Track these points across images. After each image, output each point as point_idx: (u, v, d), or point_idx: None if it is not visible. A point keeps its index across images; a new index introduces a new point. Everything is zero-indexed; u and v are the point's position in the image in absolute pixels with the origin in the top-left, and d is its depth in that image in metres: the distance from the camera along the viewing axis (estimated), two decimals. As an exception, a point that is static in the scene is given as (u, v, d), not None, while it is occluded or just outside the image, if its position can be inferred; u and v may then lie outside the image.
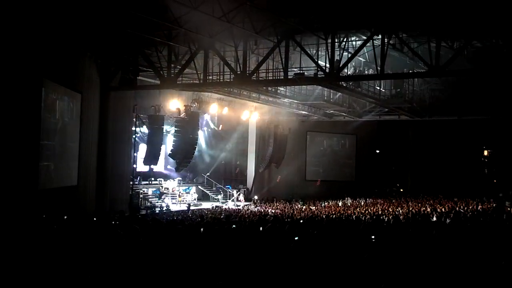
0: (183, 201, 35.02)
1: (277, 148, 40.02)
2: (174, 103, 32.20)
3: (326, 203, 34.59)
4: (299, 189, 42.75)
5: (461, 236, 14.70)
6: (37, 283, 8.83)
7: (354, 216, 24.75)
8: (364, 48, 23.54)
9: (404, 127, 46.47)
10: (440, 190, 39.13)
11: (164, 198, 34.37)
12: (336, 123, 42.37)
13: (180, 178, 37.84)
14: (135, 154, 32.36)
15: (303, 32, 23.27)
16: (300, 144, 44.03)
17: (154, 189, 35.34)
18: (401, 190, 46.89)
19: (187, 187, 37.14)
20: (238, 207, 32.89)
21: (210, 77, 26.56)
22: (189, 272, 9.54)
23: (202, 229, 15.36)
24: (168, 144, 33.97)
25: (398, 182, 48.97)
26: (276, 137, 39.80)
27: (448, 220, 21.74)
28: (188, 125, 31.15)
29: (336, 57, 23.42)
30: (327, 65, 23.30)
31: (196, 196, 36.78)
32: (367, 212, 27.55)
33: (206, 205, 34.91)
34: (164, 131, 31.69)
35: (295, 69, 25.30)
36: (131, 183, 31.05)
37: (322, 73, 23.48)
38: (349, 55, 23.55)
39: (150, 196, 34.27)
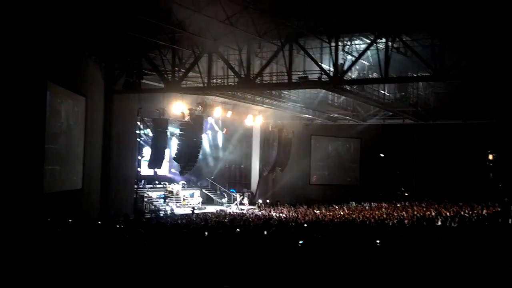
0: (187, 204, 35.01)
1: (282, 151, 39.97)
2: (178, 107, 32.28)
3: (330, 207, 34.46)
4: (304, 193, 42.67)
5: (467, 240, 14.62)
6: (42, 286, 8.83)
7: (358, 220, 24.70)
8: (368, 51, 23.49)
9: (409, 131, 46.33)
10: (444, 194, 38.97)
11: (168, 202, 34.38)
12: (341, 127, 42.28)
13: (185, 182, 37.86)
14: (139, 157, 32.39)
15: (307, 36, 23.27)
16: (305, 147, 43.96)
17: (159, 193, 35.34)
18: (406, 194, 46.72)
19: (191, 192, 37.08)
20: (242, 211, 32.84)
21: (214, 81, 26.59)
22: (194, 276, 9.51)
23: (206, 233, 15.35)
24: (173, 147, 33.99)
25: (403, 186, 48.81)
26: (280, 140, 39.76)
27: (453, 225, 21.64)
28: (192, 128, 31.18)
29: (340, 61, 23.40)
30: (331, 68, 23.26)
31: (200, 199, 36.75)
32: (371, 216, 27.47)
33: (210, 208, 34.88)
34: (168, 134, 31.71)
35: (299, 73, 25.26)
36: (135, 186, 31.05)
37: (326, 76, 23.45)
38: (353, 59, 23.53)
39: (154, 200, 34.28)
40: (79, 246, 11.64)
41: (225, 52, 25.32)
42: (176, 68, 26.10)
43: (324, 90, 30.46)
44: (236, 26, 20.89)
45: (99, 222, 19.96)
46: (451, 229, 19.62)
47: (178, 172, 34.51)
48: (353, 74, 27.12)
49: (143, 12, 20.09)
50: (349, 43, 24.92)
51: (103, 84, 27.19)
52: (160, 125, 30.11)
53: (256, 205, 37.45)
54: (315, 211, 31.97)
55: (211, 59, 25.47)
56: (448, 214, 28.04)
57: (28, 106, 19.19)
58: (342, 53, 23.97)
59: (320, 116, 38.26)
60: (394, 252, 11.87)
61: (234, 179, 43.48)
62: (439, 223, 22.87)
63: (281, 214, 29.68)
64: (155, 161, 30.81)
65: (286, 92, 31.64)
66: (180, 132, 31.37)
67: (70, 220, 18.72)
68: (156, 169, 33.75)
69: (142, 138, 33.01)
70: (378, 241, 13.69)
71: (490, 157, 48.61)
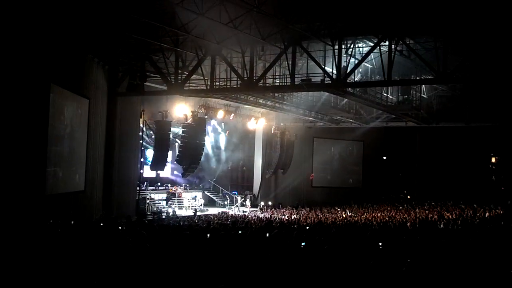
0: (190, 206, 35.05)
1: (284, 154, 39.98)
2: (181, 109, 32.35)
3: (332, 210, 34.46)
4: (306, 195, 42.69)
5: (469, 243, 14.61)
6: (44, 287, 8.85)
7: (361, 223, 24.69)
8: (371, 54, 23.51)
9: (411, 134, 46.34)
10: (447, 197, 38.96)
11: (171, 204, 34.43)
12: (343, 130, 42.25)
13: (188, 184, 37.91)
14: (142, 159, 32.45)
15: (310, 38, 23.29)
16: (307, 150, 43.95)
17: (163, 194, 35.39)
18: (408, 197, 46.69)
19: (194, 196, 37.09)
20: (244, 213, 32.86)
21: (217, 83, 26.63)
22: (196, 278, 9.53)
23: (208, 235, 15.36)
24: (176, 149, 34.05)
25: (405, 188, 48.78)
26: (282, 143, 39.77)
27: (456, 228, 21.62)
28: (195, 131, 31.23)
29: (343, 64, 23.41)
30: (334, 71, 23.27)
31: (202, 201, 36.78)
32: (374, 218, 27.46)
33: (212, 210, 34.90)
34: (171, 136, 31.75)
35: (302, 75, 25.29)
36: (137, 188, 31.11)
37: (329, 79, 23.46)
38: (356, 62, 23.55)
39: (156, 202, 34.33)
40: (81, 248, 11.67)
41: (228, 55, 25.37)
42: (179, 71, 26.18)
43: (327, 93, 30.46)
44: (239, 29, 20.92)
45: (101, 224, 20.02)
46: (453, 232, 19.60)
47: (180, 174, 34.55)
48: (356, 77, 27.10)
49: (146, 15, 20.15)
50: (352, 46, 24.93)
51: (106, 86, 27.28)
52: (163, 128, 30.17)
53: (258, 207, 37.45)
54: (317, 213, 31.98)
55: (214, 62, 25.53)
56: (450, 217, 28.03)
57: (31, 108, 19.24)
58: (345, 55, 23.99)
59: (323, 119, 38.26)
60: (396, 255, 11.87)
61: (236, 181, 43.54)
62: (442, 226, 22.86)
63: (283, 216, 29.68)
64: (158, 163, 30.86)
65: (288, 95, 31.65)
66: (183, 135, 31.44)
67: (72, 222, 18.77)
68: (158, 171, 33.82)
69: (145, 140, 33.07)
70: (380, 244, 13.70)
71: (493, 160, 48.55)
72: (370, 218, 27.96)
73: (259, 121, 38.58)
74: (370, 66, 27.57)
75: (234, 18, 20.25)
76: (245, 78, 24.47)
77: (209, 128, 36.51)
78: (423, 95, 33.62)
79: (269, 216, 29.65)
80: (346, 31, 22.78)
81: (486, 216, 28.76)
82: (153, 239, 13.28)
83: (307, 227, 20.71)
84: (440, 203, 36.82)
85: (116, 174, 28.07)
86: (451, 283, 9.26)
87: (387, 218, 27.25)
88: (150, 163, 31.67)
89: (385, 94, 30.89)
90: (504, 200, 37.31)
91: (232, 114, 35.29)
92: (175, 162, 33.07)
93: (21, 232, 13.64)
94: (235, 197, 38.43)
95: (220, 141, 40.46)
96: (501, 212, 30.89)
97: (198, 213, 31.84)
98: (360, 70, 26.72)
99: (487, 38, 21.18)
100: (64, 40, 21.43)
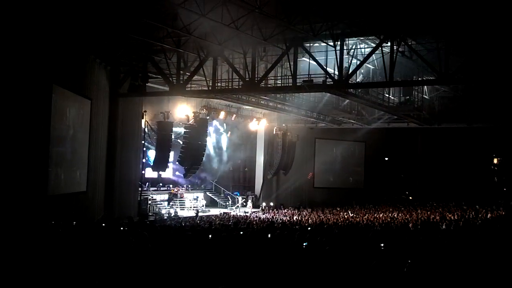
0: (191, 207, 35.06)
1: (286, 155, 39.99)
2: (183, 110, 32.40)
3: (334, 210, 34.45)
4: (308, 196, 42.68)
5: (471, 244, 14.60)
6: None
7: (363, 224, 24.67)
8: (373, 55, 23.51)
9: (413, 135, 46.31)
10: (449, 198, 38.92)
11: (173, 204, 34.45)
12: (345, 130, 42.23)
13: (190, 185, 37.92)
14: (144, 160, 32.47)
15: (312, 39, 23.29)
16: (309, 151, 43.95)
17: (165, 195, 35.40)
18: (410, 197, 46.66)
19: (195, 196, 37.09)
20: (246, 214, 32.86)
21: (219, 84, 26.64)
22: (197, 278, 9.53)
23: (210, 236, 15.36)
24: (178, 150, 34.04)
25: (407, 189, 48.73)
26: (284, 144, 39.77)
27: (457, 229, 21.60)
28: (196, 131, 31.27)
29: (345, 64, 23.40)
30: (336, 72, 23.27)
31: (204, 202, 36.78)
32: (376, 219, 27.44)
33: (214, 211, 34.91)
34: (173, 136, 31.78)
35: (304, 76, 25.29)
36: (139, 189, 31.14)
37: (331, 80, 23.46)
38: (358, 62, 23.54)
39: (158, 202, 34.35)
40: (83, 249, 11.68)
41: (230, 56, 25.38)
42: (181, 72, 26.18)
43: (329, 94, 30.46)
44: (241, 30, 20.93)
45: (103, 225, 20.03)
46: (455, 233, 19.59)
47: (182, 175, 34.56)
48: (358, 78, 27.09)
49: (148, 16, 20.17)
50: (354, 46, 24.94)
51: (108, 87, 27.31)
52: (164, 128, 30.19)
53: (260, 208, 37.45)
54: (319, 214, 31.97)
55: (216, 63, 25.55)
56: (452, 217, 28.00)
57: (33, 109, 19.27)
58: (347, 56, 23.98)
59: (325, 120, 38.25)
60: (398, 256, 11.86)
61: (238, 182, 43.55)
62: (444, 227, 22.84)
63: (285, 217, 29.68)
64: (160, 164, 30.89)
65: (290, 96, 31.64)
66: (185, 135, 31.47)
67: (74, 223, 18.79)
68: (160, 172, 33.84)
69: (147, 141, 33.10)
70: (382, 245, 13.69)
71: (495, 161, 48.53)
72: (372, 219, 27.94)
73: (260, 122, 38.61)
74: (372, 67, 27.57)
75: (236, 19, 20.25)
76: (247, 79, 24.48)
77: (210, 129, 36.53)
78: (425, 96, 33.59)
79: (271, 217, 29.65)
80: (348, 32, 22.78)
81: (488, 217, 28.73)
82: (155, 240, 13.29)
83: (309, 228, 20.71)
84: (442, 204, 36.78)
85: (118, 175, 28.09)
86: (453, 283, 9.26)
87: (389, 219, 27.24)
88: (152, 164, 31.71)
89: (387, 95, 30.88)
90: (506, 201, 37.25)
91: (234, 115, 35.32)
92: (177, 162, 33.09)
93: (23, 233, 13.66)
94: (237, 198, 38.44)
95: (221, 142, 40.49)
96: (503, 213, 30.85)
97: (200, 214, 31.85)
98: (362, 71, 26.71)
99: (489, 38, 21.16)
100: (66, 41, 21.47)
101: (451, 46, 21.29)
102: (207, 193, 39.19)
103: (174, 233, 16.45)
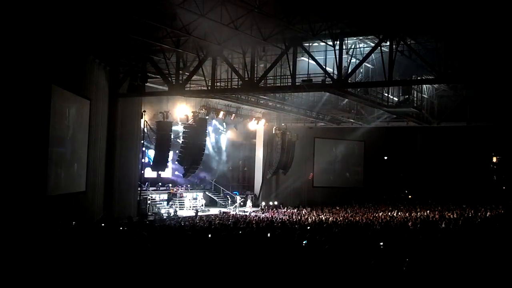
0: (191, 207, 35.07)
1: (285, 154, 39.99)
2: (182, 110, 32.40)
3: (334, 210, 34.46)
4: (307, 195, 42.70)
5: (471, 243, 14.62)
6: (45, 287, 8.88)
7: (362, 223, 24.68)
8: (373, 54, 23.52)
9: (413, 134, 46.35)
10: (448, 196, 38.96)
11: (172, 204, 34.46)
12: (344, 130, 42.26)
13: (189, 185, 37.92)
14: (143, 160, 32.47)
15: (311, 39, 23.30)
16: (308, 150, 43.96)
17: (165, 195, 35.40)
18: (409, 196, 46.69)
19: (195, 195, 37.08)
20: (246, 213, 32.86)
21: (218, 84, 26.64)
22: (197, 277, 9.54)
23: (210, 235, 15.38)
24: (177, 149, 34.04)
25: (406, 188, 48.78)
26: (283, 143, 39.77)
27: (457, 227, 21.62)
28: (196, 131, 31.27)
29: (344, 64, 23.41)
30: (335, 71, 23.28)
31: (203, 202, 36.79)
32: (375, 218, 27.46)
33: (214, 211, 34.92)
34: (172, 136, 31.79)
35: (303, 76, 25.31)
36: (139, 189, 31.15)
37: (330, 79, 23.47)
38: (357, 62, 23.55)
39: (158, 202, 34.35)
40: (82, 249, 11.68)
41: (229, 56, 25.38)
42: (180, 72, 26.18)
43: (328, 93, 30.47)
44: (240, 29, 20.93)
45: (103, 225, 20.05)
46: (455, 231, 19.61)
47: (181, 175, 34.57)
48: (357, 77, 27.09)
49: (147, 16, 20.17)
50: (353, 46, 24.95)
51: (107, 87, 27.31)
52: (164, 128, 30.18)
53: (260, 208, 37.46)
54: (318, 213, 32.00)
55: (215, 63, 25.54)
56: (452, 216, 28.03)
57: (32, 109, 19.29)
58: (346, 56, 23.99)
59: (324, 119, 38.28)
60: (398, 255, 11.87)
61: (238, 181, 43.56)
62: (443, 225, 22.86)
63: (284, 217, 29.69)
64: (159, 164, 30.89)
65: (289, 95, 31.66)
66: (184, 135, 31.47)
67: (73, 223, 18.81)
68: (159, 172, 33.84)
69: (146, 141, 33.10)
70: (381, 243, 13.71)
71: (494, 159, 48.60)
72: (371, 218, 27.97)
73: (260, 122, 38.63)
74: (371, 66, 27.57)
75: (235, 19, 20.25)
76: (246, 79, 24.49)
77: (210, 129, 36.53)
78: (424, 95, 33.62)
79: (270, 216, 29.66)
80: (347, 31, 22.80)
81: (487, 215, 28.77)
82: (155, 240, 13.30)
83: (308, 227, 20.72)
84: (442, 202, 36.81)
85: (117, 175, 28.09)
86: (453, 282, 9.28)
87: (388, 218, 27.26)
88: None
89: (386, 94, 30.89)
90: (506, 200, 37.31)
91: (233, 115, 35.32)
92: (176, 162, 33.10)
93: (22, 233, 13.67)
94: (236, 197, 38.44)
95: (221, 142, 40.50)
96: (502, 211, 30.89)
97: (199, 214, 31.86)
98: (361, 70, 26.72)
99: (488, 37, 21.18)
100: (65, 42, 21.48)
101: (450, 45, 21.32)
102: (207, 192, 39.19)
103: (174, 233, 16.47)
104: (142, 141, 31.41)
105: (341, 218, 27.84)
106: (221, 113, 33.95)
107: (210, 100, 32.61)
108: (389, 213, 30.87)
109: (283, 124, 40.39)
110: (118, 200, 28.15)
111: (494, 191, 43.54)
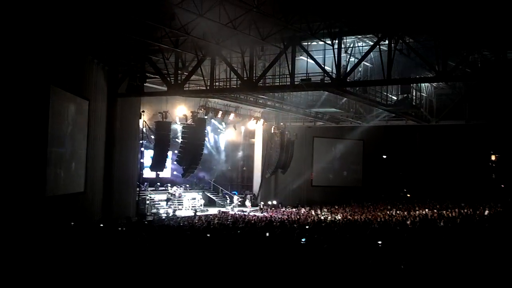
0: (190, 207, 35.05)
1: (284, 153, 39.97)
2: (181, 110, 32.37)
3: (332, 209, 34.47)
4: (306, 194, 42.70)
5: (469, 241, 14.64)
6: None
7: (361, 222, 24.71)
8: (371, 53, 23.53)
9: (411, 132, 46.34)
10: (447, 195, 38.97)
11: (171, 204, 34.44)
12: (343, 129, 42.27)
13: (188, 184, 37.90)
14: (141, 160, 32.45)
15: (310, 38, 23.30)
16: (307, 149, 43.97)
17: (163, 195, 35.39)
18: (408, 195, 46.70)
19: (194, 196, 37.04)
20: (244, 213, 32.86)
21: (217, 84, 26.63)
22: (196, 277, 9.55)
23: (208, 235, 15.40)
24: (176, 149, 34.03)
25: (405, 187, 48.77)
26: (282, 142, 39.76)
27: (455, 226, 21.65)
28: (194, 131, 31.25)
29: (343, 63, 23.41)
30: (334, 70, 23.29)
31: (202, 202, 36.77)
32: (373, 217, 27.48)
33: (212, 211, 34.91)
34: (171, 135, 31.78)
35: (302, 75, 25.31)
36: (137, 189, 31.12)
37: (329, 78, 23.48)
38: (356, 61, 23.56)
39: (156, 202, 34.33)
40: (81, 249, 11.69)
41: (228, 55, 25.37)
42: (179, 71, 26.17)
43: (326, 92, 30.48)
44: (239, 29, 20.93)
45: (101, 225, 20.06)
46: (453, 230, 19.64)
47: (180, 175, 34.56)
48: (356, 76, 27.11)
49: (146, 16, 20.15)
50: (351, 45, 24.96)
51: (106, 87, 27.28)
52: (162, 128, 30.16)
53: (258, 207, 37.46)
54: (317, 212, 32.00)
55: (214, 62, 25.54)
56: (450, 215, 28.06)
57: (31, 110, 19.27)
58: (345, 55, 23.99)
59: (323, 118, 38.28)
60: (397, 253, 11.90)
61: (236, 181, 43.55)
62: (442, 224, 22.89)
63: (283, 216, 29.70)
64: (158, 164, 30.87)
65: (288, 94, 31.66)
66: (183, 135, 31.46)
67: (72, 223, 18.82)
68: (158, 172, 33.81)
69: (145, 141, 33.08)
70: (380, 242, 13.73)
71: (493, 157, 48.62)
72: (370, 217, 27.98)
73: (258, 121, 38.62)
74: (369, 65, 27.60)
75: (233, 19, 20.26)
76: (245, 78, 24.49)
77: (208, 128, 36.51)
78: (423, 94, 33.63)
79: (269, 216, 29.67)
80: (346, 30, 22.80)
81: (486, 214, 28.80)
82: (154, 240, 13.31)
83: (307, 226, 20.76)
84: (440, 201, 36.82)
85: (116, 175, 28.06)
86: (451, 280, 9.30)
87: (387, 217, 27.28)
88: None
89: (385, 93, 30.91)
90: (504, 198, 37.32)
91: (232, 114, 35.31)
92: (175, 162, 33.08)
93: (21, 234, 13.67)
94: (234, 197, 38.42)
95: (220, 141, 40.48)
96: (501, 209, 30.91)
97: (198, 213, 31.86)
98: (360, 69, 26.74)
99: (487, 36, 21.20)
100: (64, 42, 21.46)
101: (448, 43, 21.32)
102: (205, 192, 39.17)
103: (173, 233, 16.48)
104: (141, 141, 31.41)
105: (340, 217, 27.85)
106: (220, 112, 33.94)
107: (209, 100, 32.61)
108: (388, 212, 30.88)
109: (282, 124, 40.38)
110: (117, 201, 28.13)
111: (493, 189, 43.54)
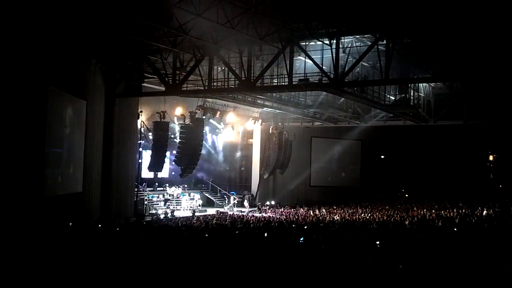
0: (188, 207, 35.03)
1: (282, 154, 40.01)
2: (179, 110, 32.36)
3: (331, 209, 34.48)
4: (304, 195, 42.72)
5: (467, 241, 14.65)
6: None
7: (359, 222, 24.71)
8: (369, 53, 23.53)
9: (409, 132, 46.39)
10: (445, 195, 39.02)
11: (169, 205, 34.42)
12: (341, 129, 42.32)
13: (186, 185, 37.89)
14: (140, 160, 32.41)
15: (308, 38, 23.29)
16: (305, 149, 44.00)
17: (162, 195, 35.37)
18: (406, 195, 46.75)
19: (192, 196, 37.02)
20: (243, 213, 32.85)
21: (215, 84, 26.62)
22: (194, 278, 9.53)
23: (206, 235, 15.38)
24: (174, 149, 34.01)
25: (403, 187, 48.83)
26: (280, 143, 39.79)
27: (453, 226, 21.66)
28: (193, 131, 31.24)
29: (341, 63, 23.41)
30: (332, 70, 23.29)
31: (200, 202, 36.77)
32: (372, 217, 27.48)
33: (211, 211, 34.90)
34: (171, 136, 31.77)
35: (300, 75, 25.31)
36: (136, 189, 31.09)
37: (327, 78, 23.48)
38: (354, 61, 23.56)
39: (155, 203, 34.31)
40: (80, 249, 11.67)
41: (226, 55, 25.36)
42: (177, 71, 26.14)
43: (325, 92, 30.50)
44: (237, 29, 20.91)
45: (100, 225, 20.03)
46: (451, 230, 19.65)
47: (178, 175, 34.54)
48: (354, 76, 27.11)
49: (144, 16, 20.13)
50: (350, 45, 24.96)
51: (104, 88, 27.26)
52: (160, 128, 30.15)
53: (257, 207, 37.46)
54: (316, 212, 32.00)
55: (212, 62, 25.52)
56: (448, 215, 28.09)
57: (29, 110, 19.22)
58: (343, 55, 23.99)
59: (321, 118, 38.31)
60: (395, 253, 11.89)
61: (235, 181, 43.55)
62: (440, 224, 22.91)
63: (281, 216, 29.70)
64: (156, 164, 30.85)
65: (286, 94, 31.66)
66: (181, 135, 31.45)
67: (70, 224, 18.79)
68: (156, 172, 33.78)
69: (143, 142, 33.06)
70: (378, 242, 13.73)
71: (491, 158, 48.71)
72: (368, 217, 27.99)
73: (257, 121, 38.63)
74: (367, 65, 27.61)
75: (231, 18, 20.24)
76: (243, 78, 24.48)
77: (207, 129, 36.51)
78: (421, 94, 33.67)
79: (267, 216, 29.66)
80: (344, 30, 22.80)
81: (484, 214, 28.84)
82: (152, 240, 13.29)
83: (305, 227, 20.75)
84: (438, 201, 36.87)
85: (114, 175, 28.05)
86: (449, 280, 9.29)
87: (385, 217, 27.29)
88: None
89: (383, 93, 30.93)
90: (502, 198, 37.38)
91: (230, 114, 35.31)
92: (173, 162, 33.07)
93: (19, 235, 13.64)
94: (231, 197, 38.43)
95: (218, 142, 40.47)
96: (498, 210, 30.95)
97: (196, 214, 31.84)
98: (358, 69, 26.74)
99: (485, 36, 21.21)
100: (61, 42, 21.42)
101: (446, 43, 21.33)
102: (204, 193, 39.16)
103: (171, 233, 16.45)
104: (139, 142, 31.38)
105: (338, 217, 27.85)
106: (218, 113, 33.94)
107: (207, 100, 32.60)
108: (386, 212, 30.90)
109: (280, 124, 40.41)
110: (115, 201, 28.12)
111: (491, 189, 43.62)
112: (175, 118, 33.99)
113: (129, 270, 9.82)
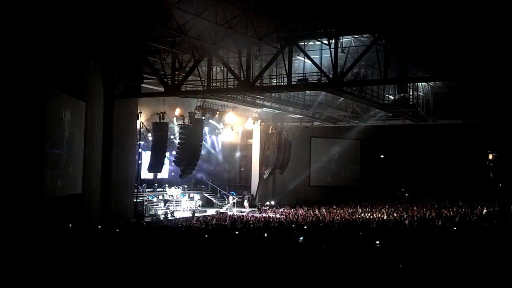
0: (188, 208, 35.02)
1: (281, 154, 40.01)
2: (178, 110, 32.35)
3: (330, 209, 34.47)
4: (304, 194, 42.71)
5: (467, 240, 14.66)
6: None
7: (359, 221, 24.71)
8: (368, 53, 23.52)
9: (409, 132, 46.38)
10: (444, 194, 39.03)
11: (169, 205, 34.41)
12: (340, 128, 42.32)
13: (186, 185, 37.88)
14: (139, 161, 32.39)
15: (307, 38, 23.30)
16: (304, 149, 44.01)
17: (161, 196, 35.36)
18: (406, 194, 46.76)
19: (191, 197, 37.02)
20: (243, 213, 32.85)
21: (214, 84, 26.62)
22: (194, 278, 9.54)
23: (206, 235, 15.38)
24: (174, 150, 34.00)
25: (403, 186, 48.84)
26: (280, 143, 39.80)
27: (453, 225, 21.66)
28: (192, 132, 31.24)
29: (340, 62, 23.41)
30: (331, 70, 23.28)
31: (200, 202, 36.77)
32: (371, 217, 27.49)
33: (211, 211, 34.90)
34: (168, 137, 31.74)
35: (299, 75, 25.30)
36: (135, 190, 31.08)
37: (326, 78, 23.48)
38: (353, 60, 23.56)
39: (154, 203, 34.29)
40: (80, 250, 11.67)
41: (224, 56, 25.37)
42: (176, 72, 26.14)
43: (324, 92, 30.49)
44: (235, 29, 20.92)
45: (99, 226, 20.03)
46: (451, 229, 19.66)
47: (178, 176, 34.54)
48: (353, 76, 27.10)
49: (143, 17, 20.12)
50: (348, 44, 24.96)
51: (103, 89, 27.24)
52: (160, 129, 30.14)
53: (257, 208, 37.46)
54: (315, 212, 31.99)
55: (211, 63, 25.52)
56: (448, 214, 28.09)
57: (28, 111, 19.23)
58: (341, 54, 23.99)
59: (320, 118, 38.31)
60: (394, 253, 11.89)
61: (234, 181, 43.54)
62: (440, 223, 22.91)
63: (281, 216, 29.69)
64: (155, 165, 30.84)
65: (285, 94, 31.66)
66: (180, 136, 31.44)
67: (70, 225, 18.78)
68: (156, 173, 33.77)
69: (142, 142, 33.05)
70: (377, 242, 13.73)
71: (490, 157, 48.73)
72: (368, 216, 27.98)
73: (256, 121, 38.65)
74: (366, 65, 27.59)
75: (230, 19, 20.24)
76: (242, 79, 24.48)
77: (206, 129, 36.52)
78: (420, 93, 33.67)
79: (267, 216, 29.65)
80: (343, 30, 22.80)
81: (484, 213, 28.84)
82: (152, 241, 13.29)
83: (305, 227, 20.76)
84: (438, 200, 36.87)
85: (114, 176, 28.02)
86: (449, 280, 9.30)
87: (385, 217, 27.29)
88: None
89: (382, 93, 30.92)
90: (502, 197, 37.40)
91: (229, 115, 35.32)
92: (173, 163, 33.06)
93: (19, 236, 13.64)
94: (230, 197, 38.44)
95: (217, 142, 40.47)
96: (498, 208, 30.97)
97: (196, 214, 31.84)
98: (357, 69, 26.72)
99: (484, 35, 21.22)
100: (60, 43, 21.42)
101: (445, 43, 21.34)
102: (203, 193, 39.16)
103: (171, 234, 16.46)
104: (138, 143, 31.37)
105: (338, 217, 27.84)
106: (217, 113, 33.96)
107: (207, 100, 32.61)
108: (386, 211, 30.89)
109: (279, 124, 40.41)
110: (115, 202, 28.09)
111: (490, 188, 43.65)
112: (175, 119, 34.01)
113: (129, 271, 9.82)
